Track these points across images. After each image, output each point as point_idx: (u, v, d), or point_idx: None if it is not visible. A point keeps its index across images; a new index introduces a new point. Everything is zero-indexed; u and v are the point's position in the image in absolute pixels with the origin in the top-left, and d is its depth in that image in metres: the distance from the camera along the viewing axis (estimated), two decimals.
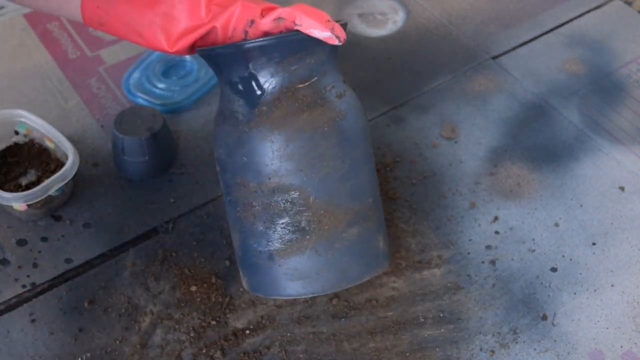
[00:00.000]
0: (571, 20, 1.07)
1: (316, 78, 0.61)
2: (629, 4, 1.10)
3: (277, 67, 0.60)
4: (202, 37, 0.62)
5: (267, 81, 0.60)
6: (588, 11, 1.08)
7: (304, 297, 0.64)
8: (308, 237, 0.61)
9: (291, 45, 0.60)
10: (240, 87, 0.61)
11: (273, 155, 0.60)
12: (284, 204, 0.60)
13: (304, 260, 0.61)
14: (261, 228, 0.61)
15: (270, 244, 0.61)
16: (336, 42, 0.59)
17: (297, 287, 0.62)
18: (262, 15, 0.60)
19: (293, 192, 0.60)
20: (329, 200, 0.61)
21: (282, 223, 0.61)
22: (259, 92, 0.61)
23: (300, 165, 0.60)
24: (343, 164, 0.61)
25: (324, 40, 0.59)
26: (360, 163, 0.63)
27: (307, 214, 0.60)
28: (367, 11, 1.07)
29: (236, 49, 0.60)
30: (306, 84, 0.61)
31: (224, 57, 0.61)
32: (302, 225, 0.60)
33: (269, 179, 0.60)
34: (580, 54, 1.01)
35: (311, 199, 0.60)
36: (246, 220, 0.62)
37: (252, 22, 0.60)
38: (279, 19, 0.59)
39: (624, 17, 1.07)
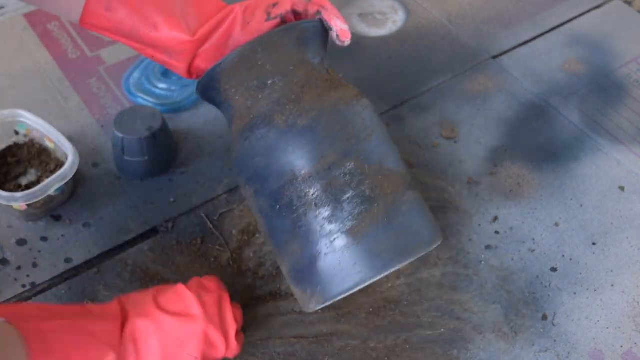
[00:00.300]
0: (571, 20, 1.07)
1: (329, 64, 0.64)
2: (629, 3, 1.10)
3: (297, 53, 0.61)
4: (218, 25, 0.61)
5: (287, 71, 0.61)
6: (588, 11, 1.08)
7: (390, 272, 0.60)
8: (376, 204, 0.59)
9: (314, 31, 0.62)
10: (259, 88, 0.61)
11: (319, 135, 0.59)
12: (344, 177, 0.59)
13: (380, 228, 0.59)
14: (327, 212, 0.59)
15: (342, 225, 0.58)
16: (348, 38, 0.62)
17: (381, 262, 0.59)
18: None
19: (348, 163, 0.59)
20: (381, 164, 0.60)
21: (347, 198, 0.58)
22: (281, 84, 0.61)
23: (347, 135, 0.60)
24: (380, 129, 0.63)
25: (340, 33, 0.62)
26: (387, 134, 0.64)
27: (367, 181, 0.59)
28: (367, 11, 1.07)
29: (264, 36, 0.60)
30: (325, 69, 0.64)
31: (244, 58, 0.61)
32: (367, 193, 0.59)
33: (322, 157, 0.59)
34: (580, 54, 1.01)
35: (366, 166, 0.59)
36: (308, 216, 0.59)
37: (275, 4, 0.61)
38: None
39: (624, 17, 1.07)
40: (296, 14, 0.63)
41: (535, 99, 0.95)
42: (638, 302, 0.75)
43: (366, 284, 0.59)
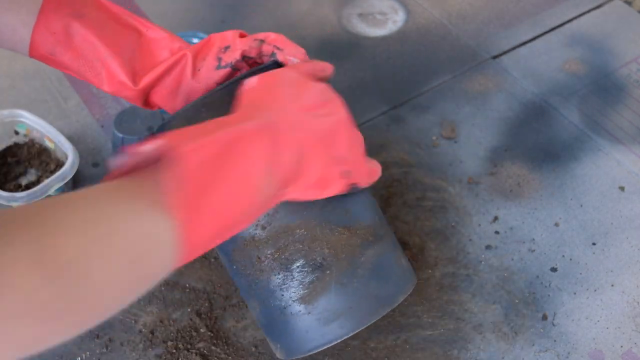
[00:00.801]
0: (571, 20, 1.07)
1: None
2: (629, 3, 1.10)
3: None
4: (167, 71, 0.59)
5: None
6: (588, 11, 1.08)
7: (344, 338, 0.58)
8: (328, 272, 0.57)
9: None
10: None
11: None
12: (294, 244, 0.56)
13: (332, 297, 0.57)
14: (278, 280, 0.57)
15: (293, 293, 0.57)
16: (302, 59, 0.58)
17: (334, 329, 0.57)
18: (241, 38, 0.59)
19: (298, 230, 0.56)
20: (336, 225, 0.57)
21: (298, 267, 0.57)
22: None
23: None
24: None
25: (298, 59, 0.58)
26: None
27: (318, 248, 0.57)
28: (367, 11, 1.07)
29: None
30: None
31: None
32: (319, 261, 0.56)
33: (270, 224, 0.57)
34: (580, 54, 1.01)
35: (318, 230, 0.57)
36: (260, 281, 0.58)
37: (227, 47, 0.59)
38: (259, 40, 0.58)
39: (624, 17, 1.07)
40: (249, 59, 0.60)
41: (535, 99, 0.95)
42: (638, 302, 0.75)
43: (320, 349, 0.58)
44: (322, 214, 0.57)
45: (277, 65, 0.57)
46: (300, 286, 0.57)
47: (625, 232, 0.81)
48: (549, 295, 0.76)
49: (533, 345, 0.72)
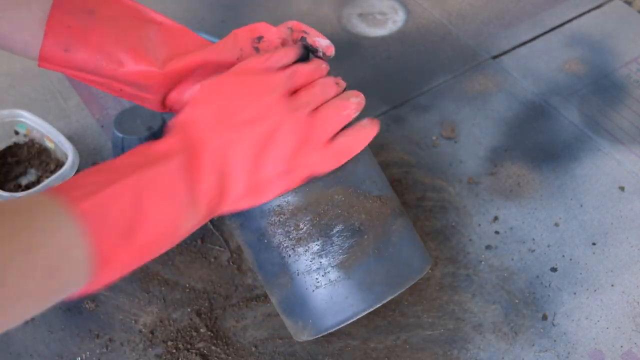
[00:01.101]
0: (571, 20, 1.07)
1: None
2: (629, 3, 1.10)
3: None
4: (201, 65, 0.58)
5: None
6: (588, 11, 1.08)
7: (379, 305, 0.59)
8: (366, 236, 0.58)
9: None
10: None
11: None
12: (333, 210, 0.57)
13: (370, 262, 0.58)
14: (317, 247, 0.57)
15: (332, 259, 0.57)
16: (332, 52, 0.60)
17: (373, 295, 0.58)
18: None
19: (337, 195, 0.57)
20: (369, 193, 0.59)
21: (337, 232, 0.57)
22: None
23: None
24: (367, 155, 0.62)
25: (325, 50, 0.60)
26: (373, 158, 0.63)
27: (356, 213, 0.58)
28: (367, 11, 1.07)
29: None
30: None
31: None
32: (357, 226, 0.58)
33: (309, 190, 0.57)
34: (580, 54, 1.01)
35: (354, 197, 0.58)
36: (297, 251, 0.57)
37: (260, 38, 0.59)
38: (289, 28, 0.60)
39: (624, 17, 1.07)
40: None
41: (535, 99, 0.95)
42: (638, 302, 0.75)
43: (358, 316, 0.58)
44: (356, 183, 0.59)
45: (306, 49, 0.60)
46: (340, 251, 0.57)
47: (625, 232, 0.81)
48: (549, 295, 0.76)
49: (533, 345, 0.72)
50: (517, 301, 0.75)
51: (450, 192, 0.85)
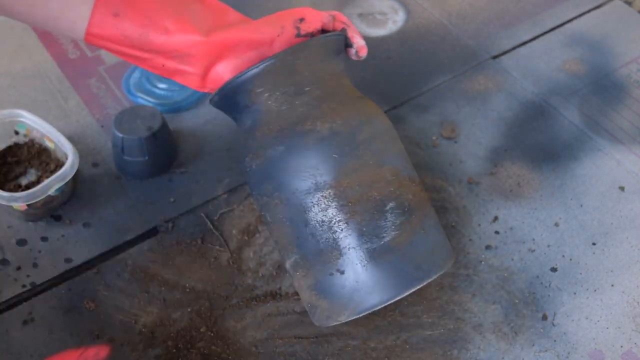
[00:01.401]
0: (571, 20, 1.07)
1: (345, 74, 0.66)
2: (629, 4, 1.10)
3: (330, 64, 0.63)
4: (244, 39, 0.60)
5: (323, 80, 0.61)
6: (588, 11, 1.08)
7: (425, 282, 0.59)
8: (414, 215, 0.59)
9: (342, 45, 0.65)
10: (296, 94, 0.60)
11: (360, 144, 0.58)
12: (386, 187, 0.58)
13: (419, 239, 0.59)
14: (371, 222, 0.57)
15: (385, 234, 0.57)
16: (365, 53, 0.65)
17: (421, 272, 0.58)
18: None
19: (389, 174, 0.59)
20: (410, 175, 0.61)
21: (391, 208, 0.58)
22: (318, 92, 0.60)
23: (384, 146, 0.60)
24: (400, 142, 0.64)
25: (359, 49, 0.65)
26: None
27: (405, 192, 0.59)
28: (367, 11, 1.07)
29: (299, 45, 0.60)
30: (349, 82, 0.65)
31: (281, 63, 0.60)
32: (406, 204, 0.59)
33: (364, 165, 0.58)
34: (580, 54, 1.01)
35: (402, 176, 0.60)
36: (350, 225, 0.57)
37: (302, 19, 0.62)
38: (333, 16, 0.63)
39: (624, 17, 1.07)
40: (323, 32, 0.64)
41: (535, 99, 0.95)
42: (638, 302, 0.75)
43: (407, 293, 0.58)
44: (401, 166, 0.61)
45: (346, 37, 0.64)
46: (393, 227, 0.58)
47: (625, 232, 0.81)
48: (549, 295, 0.76)
49: (533, 345, 0.72)
50: (517, 301, 0.75)
51: (450, 192, 0.85)
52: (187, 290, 0.75)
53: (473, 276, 0.77)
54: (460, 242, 0.80)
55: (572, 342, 0.72)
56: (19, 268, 0.76)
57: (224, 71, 0.61)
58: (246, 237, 0.79)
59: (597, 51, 1.02)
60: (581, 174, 0.87)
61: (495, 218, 0.82)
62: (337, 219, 0.57)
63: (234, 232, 0.80)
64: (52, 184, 0.75)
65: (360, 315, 0.59)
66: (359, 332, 0.72)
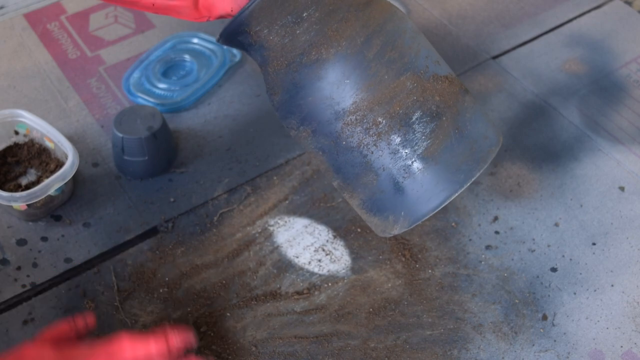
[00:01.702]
0: (571, 20, 1.07)
1: None
2: (629, 4, 1.10)
3: None
4: None
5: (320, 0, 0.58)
6: (588, 11, 1.08)
7: (470, 181, 0.59)
8: (444, 118, 0.58)
9: None
10: (294, 23, 0.58)
11: (373, 60, 0.57)
12: (408, 98, 0.57)
13: (454, 142, 0.58)
14: (399, 138, 0.57)
15: (417, 146, 0.57)
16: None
17: (462, 174, 0.58)
18: None
19: (409, 83, 0.57)
20: (436, 74, 0.59)
21: (416, 119, 0.57)
22: (317, 15, 0.58)
23: (399, 53, 0.58)
24: (421, 36, 0.61)
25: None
26: (426, 38, 0.63)
27: (430, 96, 0.58)
28: None
29: None
30: None
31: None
32: (434, 109, 0.57)
33: (381, 82, 0.57)
34: (580, 54, 1.01)
35: (424, 80, 0.58)
36: (379, 146, 0.57)
37: None
38: None
39: (624, 17, 1.07)
40: None
41: (535, 99, 0.95)
42: (638, 302, 0.75)
43: (452, 199, 0.58)
44: (423, 66, 0.58)
45: None
46: (423, 137, 0.57)
47: (625, 232, 0.81)
48: (549, 295, 0.76)
49: (533, 345, 0.72)
50: (517, 301, 0.75)
51: None
52: (187, 290, 0.75)
53: (473, 276, 0.77)
54: (460, 242, 0.80)
55: (572, 342, 0.72)
56: (19, 268, 0.76)
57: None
58: (246, 237, 0.79)
59: (597, 51, 1.02)
60: (581, 174, 0.87)
61: (495, 218, 0.82)
62: (365, 142, 0.57)
63: (233, 232, 0.80)
64: (52, 184, 0.75)
65: (414, 225, 0.59)
66: (359, 332, 0.72)
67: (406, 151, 0.57)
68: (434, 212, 0.58)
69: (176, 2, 0.60)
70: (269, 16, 0.58)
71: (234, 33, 0.60)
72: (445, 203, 0.58)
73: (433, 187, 0.58)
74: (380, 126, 0.57)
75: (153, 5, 0.60)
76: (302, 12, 0.58)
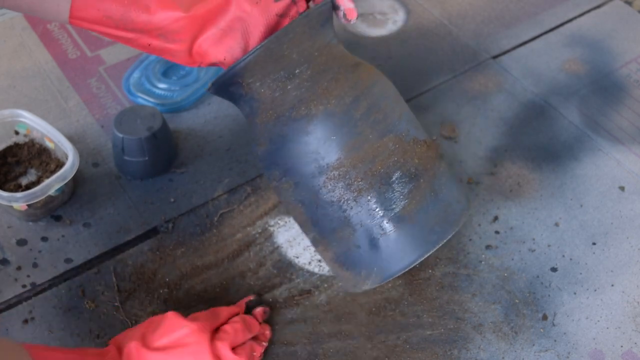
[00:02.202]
0: (571, 19, 1.07)
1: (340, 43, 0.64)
2: (629, 3, 1.10)
3: (318, 38, 0.61)
4: (223, 7, 0.59)
5: (312, 58, 0.60)
6: (588, 11, 1.08)
7: (447, 240, 0.61)
8: (422, 180, 0.60)
9: (328, 13, 0.62)
10: (286, 78, 0.60)
11: (359, 120, 0.58)
12: (389, 158, 0.59)
13: (429, 203, 0.60)
14: (379, 195, 0.58)
15: (394, 205, 0.59)
16: (354, 17, 0.62)
17: (435, 235, 0.60)
18: None
19: (391, 143, 0.59)
20: (416, 137, 0.61)
21: (396, 179, 0.59)
22: (309, 72, 0.60)
23: (383, 115, 0.60)
24: (403, 102, 0.64)
25: (347, 12, 0.62)
26: (407, 105, 0.65)
27: (410, 158, 0.60)
28: (367, 11, 1.07)
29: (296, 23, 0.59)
30: (342, 48, 0.64)
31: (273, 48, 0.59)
32: (412, 170, 0.59)
33: (366, 141, 0.59)
34: (580, 54, 1.01)
35: (405, 143, 0.60)
36: (359, 201, 0.59)
37: None
38: None
39: (624, 17, 1.07)
40: None
41: (535, 99, 0.95)
42: (638, 302, 0.75)
43: (424, 258, 0.60)
44: (404, 129, 0.60)
45: (333, 4, 0.62)
46: (401, 197, 0.59)
47: (625, 232, 0.81)
48: (549, 295, 0.76)
49: (533, 345, 0.72)
50: (517, 301, 0.75)
51: None
52: (188, 290, 0.75)
53: (473, 276, 0.77)
54: (460, 242, 0.80)
55: (572, 342, 0.72)
56: (19, 268, 0.76)
57: (206, 44, 0.61)
58: (246, 238, 0.79)
59: (597, 51, 1.02)
60: (581, 174, 0.87)
61: (495, 218, 0.82)
62: (345, 198, 0.59)
63: (234, 232, 0.80)
64: (52, 184, 0.75)
65: (385, 282, 0.61)
66: (359, 332, 0.72)
67: (384, 209, 0.59)
68: (406, 269, 0.60)
69: (172, 45, 0.61)
70: (263, 70, 0.60)
71: (227, 83, 0.61)
72: (417, 262, 0.60)
73: (407, 245, 0.60)
74: (362, 183, 0.59)
75: (149, 45, 0.61)
76: (294, 68, 0.60)
